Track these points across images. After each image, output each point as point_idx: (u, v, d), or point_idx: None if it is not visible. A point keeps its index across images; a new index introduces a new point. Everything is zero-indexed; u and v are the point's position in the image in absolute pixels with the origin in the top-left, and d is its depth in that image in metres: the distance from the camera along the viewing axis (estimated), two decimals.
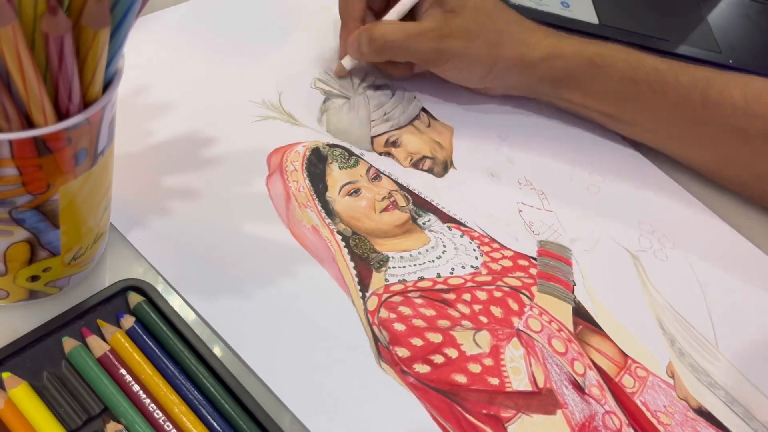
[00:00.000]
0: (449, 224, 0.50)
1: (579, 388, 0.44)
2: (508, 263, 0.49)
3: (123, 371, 0.37)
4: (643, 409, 0.44)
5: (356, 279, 0.45)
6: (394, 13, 0.54)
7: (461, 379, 0.43)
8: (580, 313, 0.48)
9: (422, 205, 0.51)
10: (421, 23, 0.53)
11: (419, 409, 0.41)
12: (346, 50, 0.55)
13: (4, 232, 0.34)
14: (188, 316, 0.41)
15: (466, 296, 0.46)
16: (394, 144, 0.54)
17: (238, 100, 0.53)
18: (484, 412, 0.42)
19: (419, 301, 0.45)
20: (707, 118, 0.53)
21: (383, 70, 0.58)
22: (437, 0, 0.53)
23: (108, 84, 0.33)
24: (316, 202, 0.49)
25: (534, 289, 0.48)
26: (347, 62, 0.56)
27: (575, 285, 0.49)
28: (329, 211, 0.48)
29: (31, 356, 0.37)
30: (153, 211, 0.45)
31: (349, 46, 0.54)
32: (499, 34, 0.53)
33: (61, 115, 0.31)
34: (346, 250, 0.47)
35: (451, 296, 0.46)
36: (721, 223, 0.57)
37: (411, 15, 0.55)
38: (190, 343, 0.38)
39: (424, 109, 0.57)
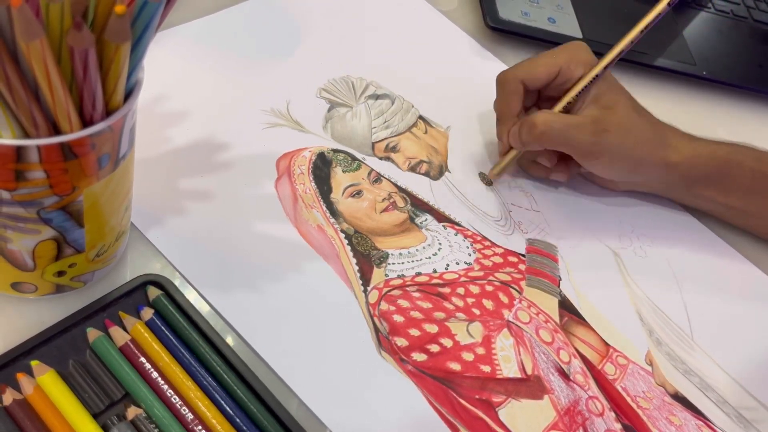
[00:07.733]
0: (444, 223, 0.50)
1: (564, 375, 0.44)
2: (498, 260, 0.49)
3: (143, 359, 0.37)
4: (624, 394, 0.45)
5: (358, 274, 0.45)
6: (554, 110, 0.51)
7: (455, 366, 0.43)
8: (566, 306, 0.48)
9: (419, 205, 0.51)
10: (579, 116, 0.50)
11: (416, 395, 0.41)
12: (506, 145, 0.52)
13: (32, 230, 0.34)
14: (203, 308, 0.41)
15: (460, 290, 0.46)
16: (394, 149, 0.54)
17: (248, 109, 0.53)
18: (477, 397, 0.42)
19: (417, 294, 0.45)
20: None
21: (531, 171, 0.55)
22: (593, 98, 0.50)
23: (129, 93, 0.33)
24: (321, 203, 0.49)
25: (523, 283, 0.48)
26: (498, 170, 0.53)
27: (561, 280, 0.49)
28: (333, 212, 0.48)
29: (57, 345, 0.37)
30: (171, 211, 0.45)
31: (511, 135, 0.51)
32: (648, 133, 0.51)
33: (86, 122, 0.31)
34: (348, 248, 0.47)
35: (446, 290, 0.46)
36: (696, 222, 0.57)
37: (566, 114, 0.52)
38: (204, 333, 0.38)
39: (421, 117, 0.57)
